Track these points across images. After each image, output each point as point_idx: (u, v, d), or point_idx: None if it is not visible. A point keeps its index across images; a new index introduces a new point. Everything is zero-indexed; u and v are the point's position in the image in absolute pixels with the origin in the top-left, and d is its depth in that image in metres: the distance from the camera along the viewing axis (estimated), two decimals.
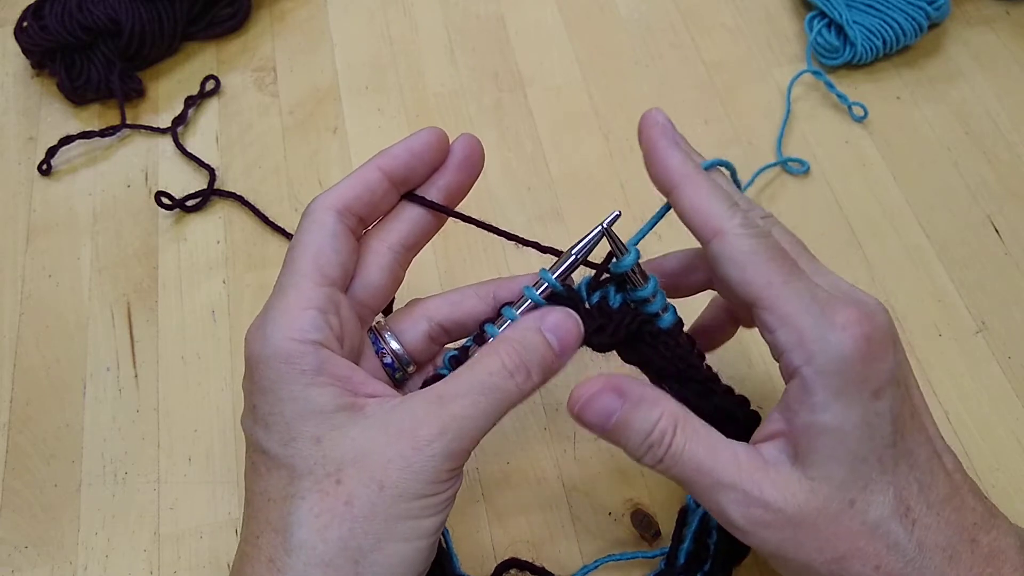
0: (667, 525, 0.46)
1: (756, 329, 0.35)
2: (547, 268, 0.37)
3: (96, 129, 0.62)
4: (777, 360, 0.34)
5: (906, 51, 0.64)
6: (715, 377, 0.38)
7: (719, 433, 0.34)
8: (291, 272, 0.35)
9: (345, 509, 0.31)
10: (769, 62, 0.64)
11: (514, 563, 0.44)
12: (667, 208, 0.37)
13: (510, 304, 0.37)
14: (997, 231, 0.56)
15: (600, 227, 0.37)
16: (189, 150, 0.61)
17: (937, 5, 0.62)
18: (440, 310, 0.39)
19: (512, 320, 0.36)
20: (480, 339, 0.37)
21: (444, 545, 0.40)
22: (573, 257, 0.37)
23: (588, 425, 0.34)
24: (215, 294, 0.55)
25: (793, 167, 0.59)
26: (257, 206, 0.58)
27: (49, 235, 0.59)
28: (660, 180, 0.36)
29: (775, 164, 0.59)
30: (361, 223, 0.37)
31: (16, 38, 0.64)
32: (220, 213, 0.59)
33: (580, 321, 0.36)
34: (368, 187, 0.37)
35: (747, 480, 0.32)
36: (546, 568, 0.44)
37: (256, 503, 0.34)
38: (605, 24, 0.68)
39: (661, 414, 0.34)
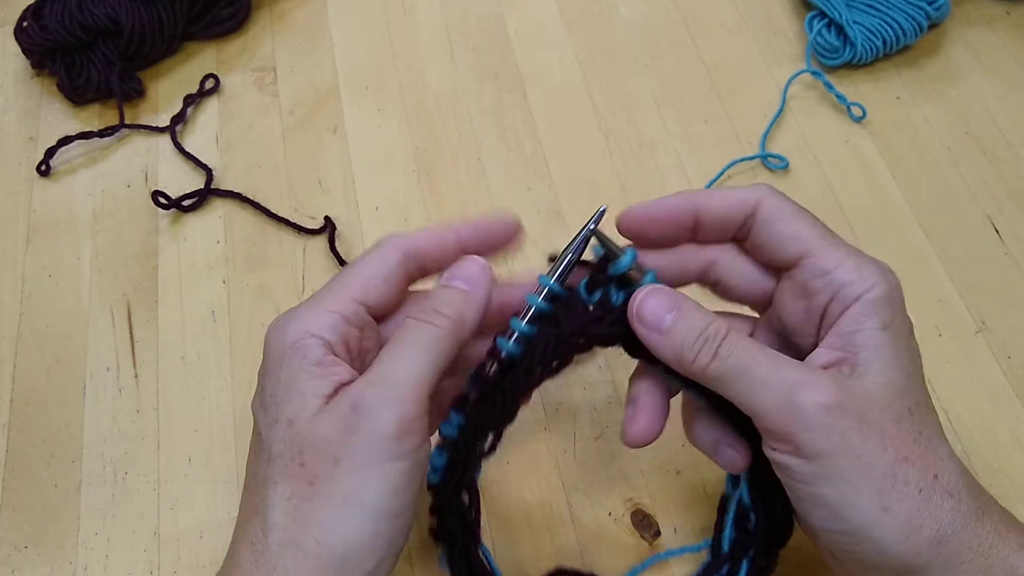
0: (667, 525, 0.46)
1: None
2: (546, 274, 0.38)
3: (95, 129, 0.62)
4: (823, 306, 0.35)
5: (906, 51, 0.64)
6: None
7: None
8: (337, 282, 0.37)
9: (310, 490, 0.33)
10: (769, 62, 0.64)
11: (561, 572, 0.44)
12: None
13: (516, 315, 0.38)
14: (997, 231, 0.56)
15: (588, 228, 0.38)
16: (189, 150, 0.61)
17: (937, 5, 0.62)
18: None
19: (518, 330, 0.37)
20: (493, 352, 0.38)
21: (487, 565, 0.40)
22: (568, 258, 0.38)
23: (644, 323, 0.36)
24: (215, 294, 0.55)
25: (772, 163, 0.59)
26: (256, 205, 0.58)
27: (49, 235, 0.59)
28: (678, 215, 0.38)
29: (753, 157, 0.59)
30: (420, 273, 0.39)
31: (16, 38, 0.64)
32: (220, 213, 0.59)
33: (481, 260, 0.38)
34: (441, 247, 0.38)
35: (809, 370, 0.33)
36: (594, 572, 0.44)
37: (248, 484, 0.35)
38: (605, 24, 0.68)
39: (715, 318, 0.35)
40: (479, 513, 0.39)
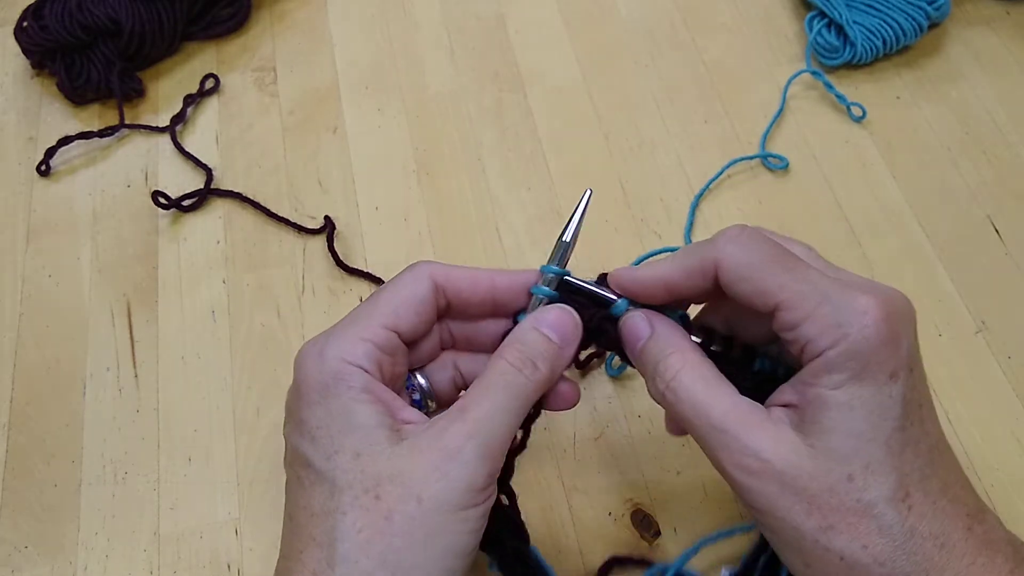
0: (667, 525, 0.46)
1: None
2: (547, 263, 0.39)
3: (95, 129, 0.62)
4: (798, 355, 0.34)
5: (906, 51, 0.64)
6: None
7: (730, 385, 0.35)
8: (369, 308, 0.37)
9: (385, 524, 0.32)
10: (769, 62, 0.64)
11: (615, 561, 0.45)
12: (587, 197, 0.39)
13: (523, 311, 0.39)
14: (997, 231, 0.56)
15: (580, 211, 0.39)
16: (189, 150, 0.61)
17: (937, 5, 0.62)
18: (466, 363, 0.41)
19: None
20: None
21: (541, 566, 0.40)
22: (565, 244, 0.39)
23: (626, 342, 0.37)
24: (215, 294, 0.55)
25: (772, 163, 0.59)
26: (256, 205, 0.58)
27: (49, 235, 0.59)
28: (650, 291, 0.38)
29: (753, 157, 0.59)
30: (447, 309, 0.39)
31: (16, 38, 0.64)
32: (220, 213, 0.59)
33: (575, 314, 0.38)
34: (473, 287, 0.38)
35: (740, 426, 0.33)
36: (645, 558, 0.45)
37: (299, 517, 0.35)
38: (605, 24, 0.68)
39: (674, 351, 0.36)
40: (519, 513, 0.39)
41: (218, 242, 0.58)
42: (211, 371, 0.53)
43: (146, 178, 0.61)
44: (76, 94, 0.64)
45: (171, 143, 0.62)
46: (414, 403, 0.39)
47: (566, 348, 0.37)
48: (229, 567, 0.46)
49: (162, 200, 0.58)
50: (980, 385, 0.50)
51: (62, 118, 0.64)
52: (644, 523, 0.46)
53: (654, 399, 0.37)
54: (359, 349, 0.35)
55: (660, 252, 0.55)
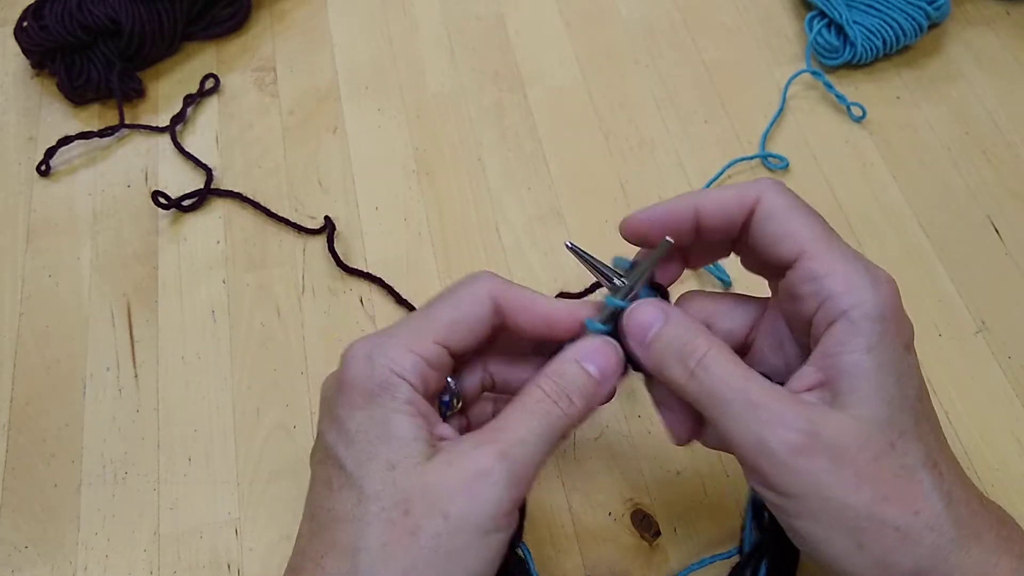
0: (667, 525, 0.46)
1: None
2: (610, 295, 0.37)
3: (95, 129, 0.62)
4: (809, 314, 0.34)
5: (906, 51, 0.64)
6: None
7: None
8: (425, 318, 0.36)
9: (411, 540, 0.32)
10: (769, 62, 0.64)
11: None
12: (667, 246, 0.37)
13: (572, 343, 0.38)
14: (997, 231, 0.56)
15: (660, 249, 0.37)
16: (189, 150, 0.61)
17: (937, 5, 0.62)
18: (497, 364, 0.40)
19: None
20: None
21: (527, 565, 0.39)
22: (635, 282, 0.37)
23: (630, 335, 0.36)
24: (215, 294, 0.55)
25: (772, 163, 0.59)
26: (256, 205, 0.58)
27: (49, 235, 0.59)
28: (677, 218, 0.37)
29: (753, 157, 0.59)
30: (501, 326, 0.38)
31: (16, 38, 0.64)
32: (220, 213, 0.59)
33: (619, 348, 0.37)
34: (530, 312, 0.37)
35: (782, 401, 0.32)
36: None
37: (322, 518, 0.34)
38: (605, 24, 0.68)
39: (698, 334, 0.34)
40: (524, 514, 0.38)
41: (218, 242, 0.58)
42: (211, 371, 0.53)
43: (146, 178, 0.61)
44: (76, 94, 0.64)
45: (171, 143, 0.62)
46: (441, 404, 0.39)
47: (605, 384, 0.36)
48: (229, 567, 0.46)
49: (162, 200, 0.58)
50: (980, 385, 0.50)
51: (62, 118, 0.64)
52: (644, 523, 0.46)
53: (674, 388, 0.35)
54: (408, 361, 0.35)
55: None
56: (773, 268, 0.36)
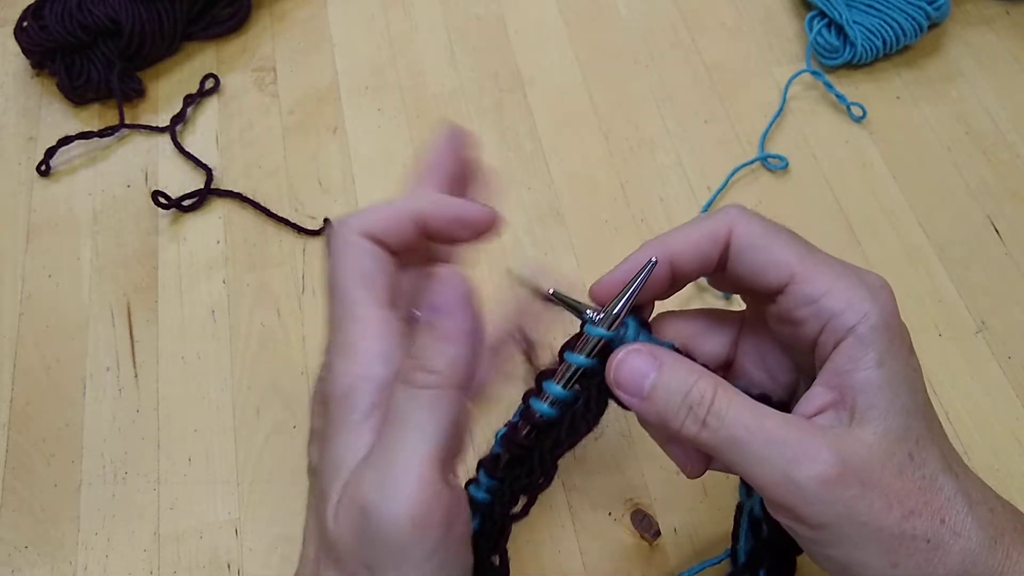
0: (667, 525, 0.46)
1: None
2: (592, 324, 0.34)
3: (95, 129, 0.62)
4: (812, 336, 0.33)
5: (906, 51, 0.64)
6: None
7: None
8: (341, 301, 0.33)
9: None
10: (769, 62, 0.64)
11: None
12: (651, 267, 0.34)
13: (550, 377, 0.35)
14: (997, 231, 0.56)
15: (645, 271, 0.34)
16: (189, 150, 0.61)
17: (937, 5, 0.62)
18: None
19: (555, 395, 0.34)
20: (527, 415, 0.35)
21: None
22: (621, 311, 0.34)
23: (623, 389, 0.33)
24: (215, 294, 0.55)
25: (772, 163, 0.59)
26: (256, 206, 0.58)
27: (49, 235, 0.59)
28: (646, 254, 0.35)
29: (753, 161, 0.59)
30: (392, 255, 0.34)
31: (16, 38, 0.64)
32: (220, 213, 0.59)
33: (459, 282, 0.32)
34: (399, 231, 0.34)
35: (804, 434, 0.31)
36: None
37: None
38: (605, 24, 0.67)
39: (699, 377, 0.32)
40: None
41: (218, 242, 0.58)
42: (211, 371, 0.52)
43: (146, 178, 0.61)
44: (76, 94, 0.64)
45: (171, 143, 0.62)
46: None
47: (459, 326, 0.31)
48: (229, 567, 0.46)
49: (162, 200, 0.58)
50: (980, 385, 0.50)
51: (62, 118, 0.64)
52: (644, 523, 0.46)
53: (683, 438, 0.32)
54: (368, 354, 0.31)
55: None
56: (759, 295, 0.35)
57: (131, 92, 0.64)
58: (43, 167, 0.61)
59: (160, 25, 0.64)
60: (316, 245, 0.57)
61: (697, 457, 0.36)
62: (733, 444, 0.31)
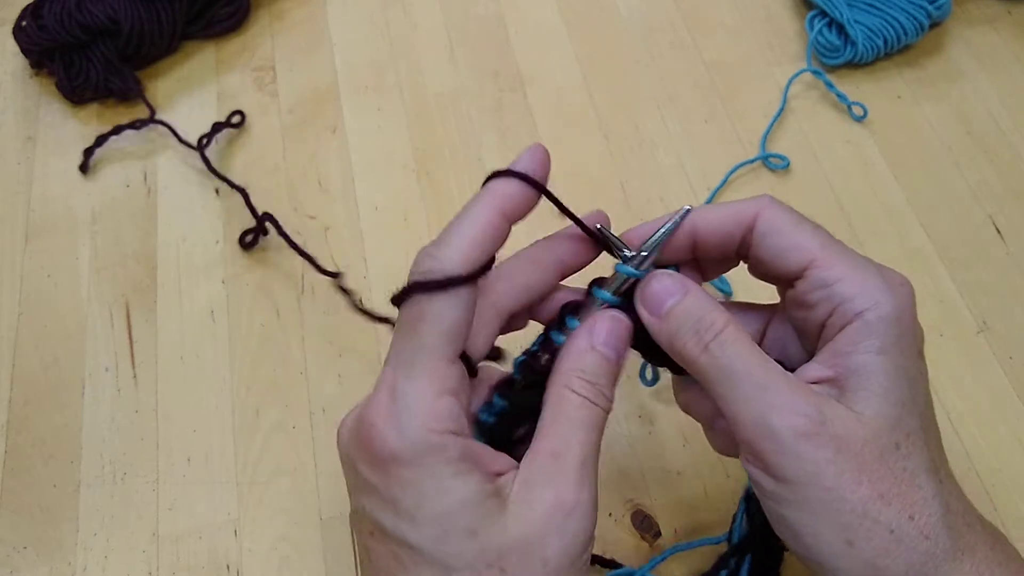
0: (667, 525, 0.46)
1: None
2: (621, 262, 0.36)
3: (122, 123, 0.61)
4: (821, 320, 0.33)
5: (907, 50, 0.64)
6: None
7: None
8: (421, 348, 0.32)
9: None
10: (769, 61, 0.64)
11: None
12: (685, 213, 0.36)
13: (573, 312, 0.36)
14: (998, 231, 0.56)
15: (678, 215, 0.36)
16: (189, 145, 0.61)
17: (938, 4, 0.61)
18: (507, 297, 0.36)
19: (604, 299, 0.36)
20: (547, 346, 0.36)
21: None
22: (645, 255, 0.36)
23: (645, 305, 0.35)
24: (214, 294, 0.55)
25: (773, 163, 0.59)
26: (256, 205, 0.58)
27: (47, 235, 0.59)
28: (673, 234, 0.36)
29: (754, 160, 0.59)
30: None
31: (15, 37, 0.64)
32: (220, 213, 0.59)
33: (626, 320, 0.35)
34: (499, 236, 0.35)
35: (794, 386, 0.32)
36: (615, 559, 0.44)
37: None
38: (605, 24, 0.67)
39: (716, 309, 0.34)
40: None
41: (217, 242, 0.57)
42: (210, 371, 0.52)
43: (145, 178, 0.61)
44: (75, 94, 0.63)
45: (171, 142, 0.62)
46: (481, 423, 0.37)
47: (621, 360, 0.35)
48: (228, 568, 0.46)
49: (247, 239, 0.56)
50: (981, 386, 0.50)
51: (61, 118, 0.64)
52: (644, 523, 0.46)
53: (683, 362, 0.34)
54: (442, 410, 0.31)
55: None
56: (780, 280, 0.36)
57: (130, 91, 0.63)
58: (83, 167, 0.61)
59: (159, 24, 0.64)
60: (316, 245, 0.57)
61: (732, 445, 0.36)
62: (726, 376, 0.32)
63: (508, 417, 0.35)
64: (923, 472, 0.31)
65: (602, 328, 0.35)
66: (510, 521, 0.31)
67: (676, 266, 0.37)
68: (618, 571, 0.44)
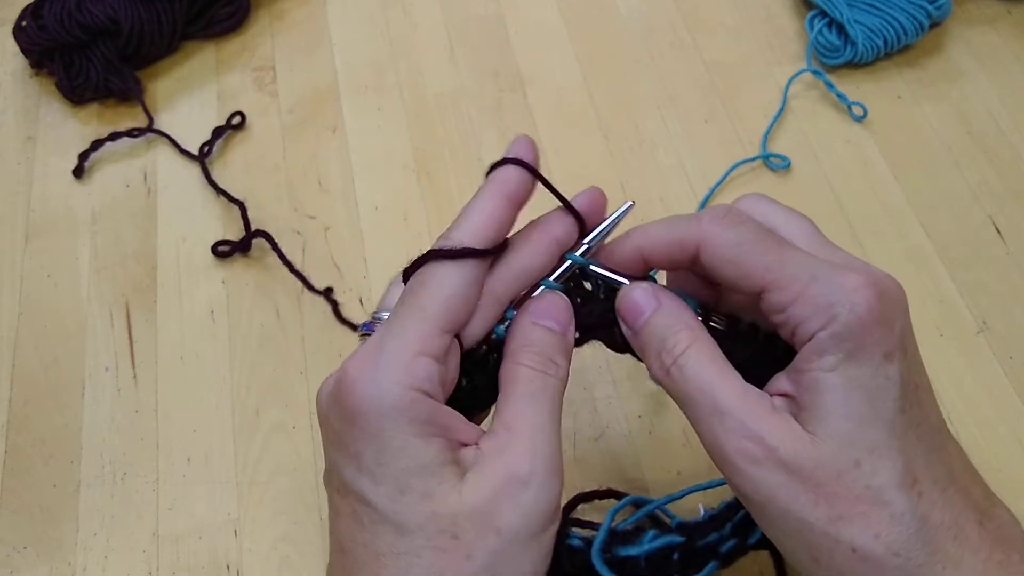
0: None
1: None
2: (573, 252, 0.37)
3: (123, 130, 0.61)
4: (789, 339, 0.33)
5: (907, 50, 0.64)
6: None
7: (734, 370, 0.33)
8: (416, 310, 0.33)
9: (466, 563, 0.31)
10: (769, 61, 0.64)
11: (581, 498, 0.45)
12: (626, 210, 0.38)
13: (515, 307, 0.37)
14: (998, 231, 0.56)
15: (620, 210, 0.38)
16: (188, 149, 0.61)
17: (938, 4, 0.62)
18: (505, 283, 0.37)
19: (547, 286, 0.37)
20: (486, 338, 0.36)
21: None
22: (590, 244, 0.37)
23: (622, 317, 0.36)
24: (214, 294, 0.55)
25: (774, 163, 0.59)
26: (256, 205, 0.58)
27: (48, 235, 0.59)
28: (626, 258, 0.36)
29: (755, 159, 0.59)
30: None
31: (15, 38, 0.64)
32: (219, 213, 0.59)
33: (562, 295, 0.36)
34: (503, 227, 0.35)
35: (746, 411, 0.32)
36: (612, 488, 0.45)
37: (358, 554, 0.32)
38: (605, 24, 0.67)
39: (683, 328, 0.34)
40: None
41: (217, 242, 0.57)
42: (210, 371, 0.52)
43: (145, 178, 0.61)
44: (75, 94, 0.63)
45: (170, 143, 0.62)
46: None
47: (567, 333, 0.36)
48: (228, 568, 0.46)
49: (221, 249, 0.56)
50: (982, 386, 0.50)
51: (61, 118, 0.64)
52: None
53: (654, 378, 0.35)
54: (419, 369, 0.32)
55: None
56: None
57: (130, 91, 0.63)
58: (78, 171, 0.61)
59: (159, 24, 0.64)
60: (316, 245, 0.57)
61: None
62: (686, 399, 0.33)
63: (471, 395, 0.36)
64: (892, 488, 0.31)
65: (538, 304, 0.36)
66: (465, 489, 0.32)
67: (653, 275, 0.37)
68: (632, 498, 0.44)
